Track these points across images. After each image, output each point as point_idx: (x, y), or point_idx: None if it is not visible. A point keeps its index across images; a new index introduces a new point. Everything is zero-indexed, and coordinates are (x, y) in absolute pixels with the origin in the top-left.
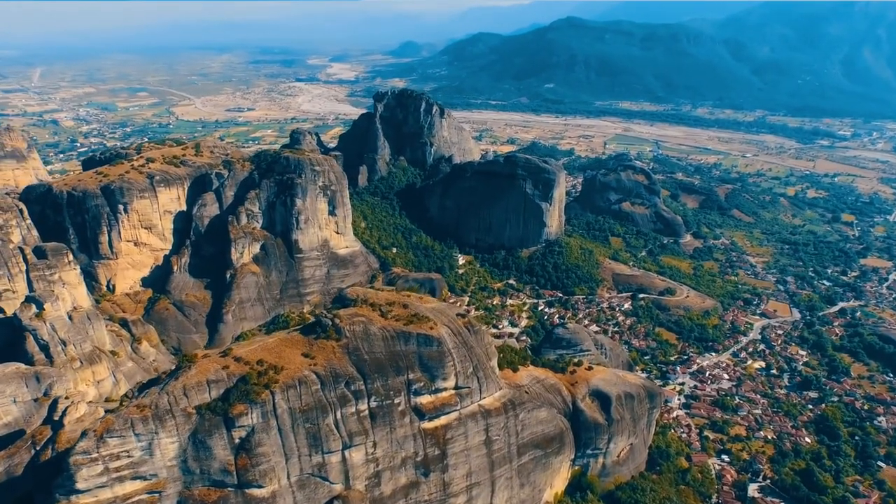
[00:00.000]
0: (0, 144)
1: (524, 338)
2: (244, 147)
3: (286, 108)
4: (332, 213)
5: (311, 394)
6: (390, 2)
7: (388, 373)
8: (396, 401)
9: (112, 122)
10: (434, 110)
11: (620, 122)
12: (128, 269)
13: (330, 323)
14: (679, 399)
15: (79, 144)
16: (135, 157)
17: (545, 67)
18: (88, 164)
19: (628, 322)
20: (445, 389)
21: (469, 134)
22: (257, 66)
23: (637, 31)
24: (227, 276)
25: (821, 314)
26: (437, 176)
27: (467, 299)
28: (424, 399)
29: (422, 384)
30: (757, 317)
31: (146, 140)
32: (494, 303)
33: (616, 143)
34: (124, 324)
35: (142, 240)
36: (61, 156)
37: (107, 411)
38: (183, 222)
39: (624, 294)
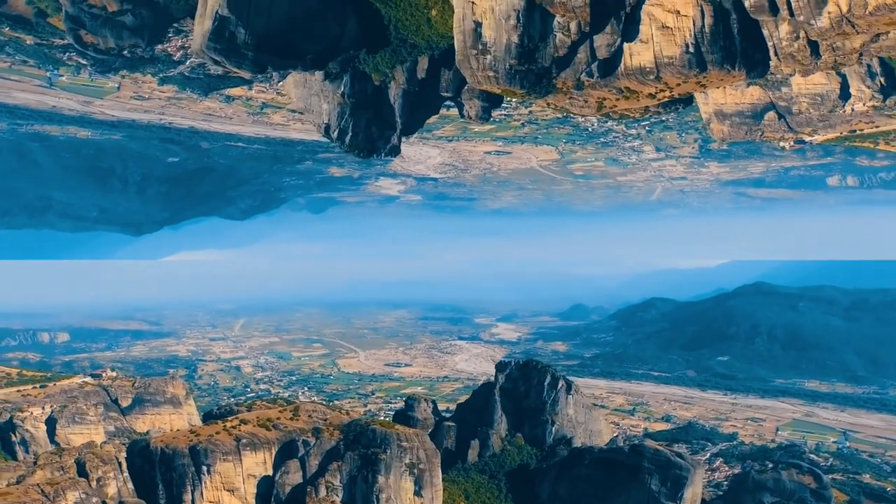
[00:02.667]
0: (162, 391)
1: None
2: (391, 403)
3: (441, 366)
4: (417, 493)
5: None
6: (566, 264)
7: None
8: None
9: (283, 370)
10: (560, 385)
11: (802, 406)
12: None
13: None
14: None
15: (249, 390)
16: (230, 418)
17: (721, 338)
18: (207, 417)
19: None
20: None
21: (599, 414)
22: (425, 323)
23: (842, 297)
24: None
25: None
26: (553, 459)
27: None
28: None
29: None
30: None
31: (306, 389)
32: None
33: (791, 429)
34: None
35: (224, 502)
36: (232, 399)
37: None
38: (266, 487)
39: None
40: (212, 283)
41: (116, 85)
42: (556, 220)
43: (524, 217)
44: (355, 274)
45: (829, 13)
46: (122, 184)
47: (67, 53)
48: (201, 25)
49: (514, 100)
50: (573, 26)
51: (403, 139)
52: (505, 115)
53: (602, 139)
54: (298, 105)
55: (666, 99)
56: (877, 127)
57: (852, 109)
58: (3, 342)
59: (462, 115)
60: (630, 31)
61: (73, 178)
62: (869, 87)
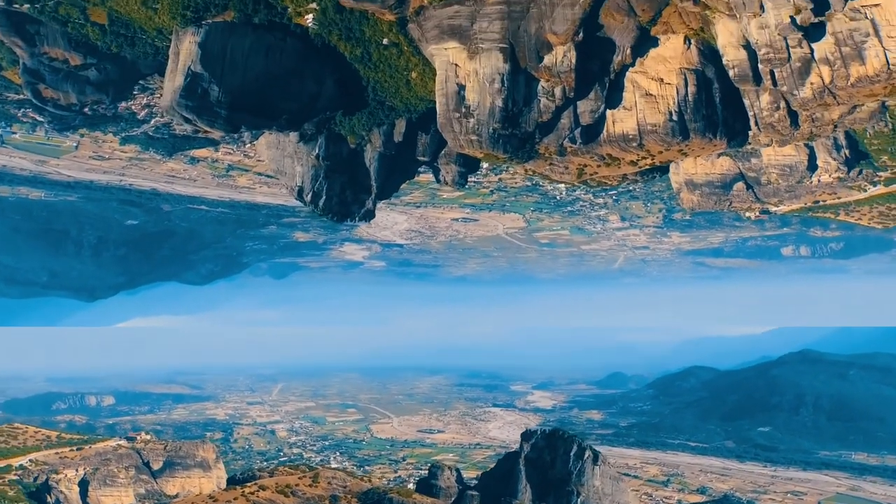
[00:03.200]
0: (192, 454)
1: None
2: (420, 469)
3: (474, 433)
4: None
5: None
6: (605, 329)
7: None
8: None
9: (317, 434)
10: (586, 456)
11: (847, 479)
12: None
13: None
14: None
15: (282, 454)
16: (249, 484)
17: (763, 408)
18: (231, 481)
19: None
20: None
21: (627, 486)
22: (461, 389)
23: None
24: None
25: None
26: None
27: None
28: None
29: None
30: None
31: (338, 454)
32: None
33: None
34: None
35: None
36: (265, 463)
37: None
38: None
39: None
40: (248, 349)
41: (74, 144)
42: (520, 287)
43: (487, 285)
44: (394, 339)
45: (812, 84)
46: (76, 247)
47: (23, 109)
48: (172, 81)
49: (484, 166)
50: (558, 91)
51: (378, 203)
52: (475, 181)
53: (569, 208)
54: (271, 167)
55: (647, 167)
56: (838, 198)
57: (819, 181)
58: (54, 405)
59: (438, 181)
60: (614, 97)
61: (23, 242)
62: (835, 160)
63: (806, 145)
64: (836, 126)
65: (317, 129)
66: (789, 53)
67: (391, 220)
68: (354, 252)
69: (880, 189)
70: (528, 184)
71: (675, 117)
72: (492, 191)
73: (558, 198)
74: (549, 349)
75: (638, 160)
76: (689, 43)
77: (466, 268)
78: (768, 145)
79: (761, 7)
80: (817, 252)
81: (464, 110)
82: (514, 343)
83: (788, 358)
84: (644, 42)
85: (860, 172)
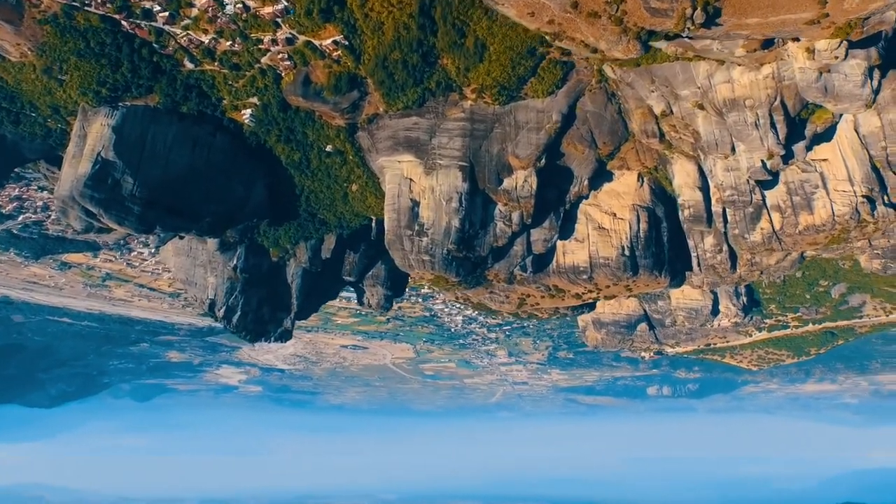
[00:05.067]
0: None
1: None
2: None
3: None
4: None
5: None
6: (724, 460)
7: None
8: None
9: None
10: None
11: None
12: None
13: None
14: None
15: None
16: None
17: None
18: None
19: None
20: None
21: None
22: None
23: None
24: None
25: None
26: None
27: None
28: None
29: None
30: None
31: None
32: None
33: None
34: None
35: None
36: None
37: None
38: None
39: None
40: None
41: None
42: (397, 419)
43: (364, 415)
44: (510, 466)
45: (762, 229)
46: None
47: None
48: (75, 168)
49: None
50: (515, 217)
51: (296, 323)
52: (372, 309)
53: (461, 340)
54: (178, 276)
55: (590, 300)
56: (727, 342)
57: (719, 324)
58: None
59: (361, 303)
60: (566, 228)
61: None
62: (734, 305)
63: (711, 291)
64: (762, 273)
65: (240, 238)
66: (751, 197)
67: (277, 343)
68: (231, 375)
69: (764, 335)
70: (426, 314)
71: (626, 252)
72: (388, 319)
73: (453, 330)
74: (673, 482)
75: (583, 293)
76: (643, 180)
77: (345, 396)
78: (699, 287)
79: (732, 149)
80: (677, 392)
81: (417, 228)
82: (632, 474)
83: None
84: (600, 175)
85: (751, 319)
